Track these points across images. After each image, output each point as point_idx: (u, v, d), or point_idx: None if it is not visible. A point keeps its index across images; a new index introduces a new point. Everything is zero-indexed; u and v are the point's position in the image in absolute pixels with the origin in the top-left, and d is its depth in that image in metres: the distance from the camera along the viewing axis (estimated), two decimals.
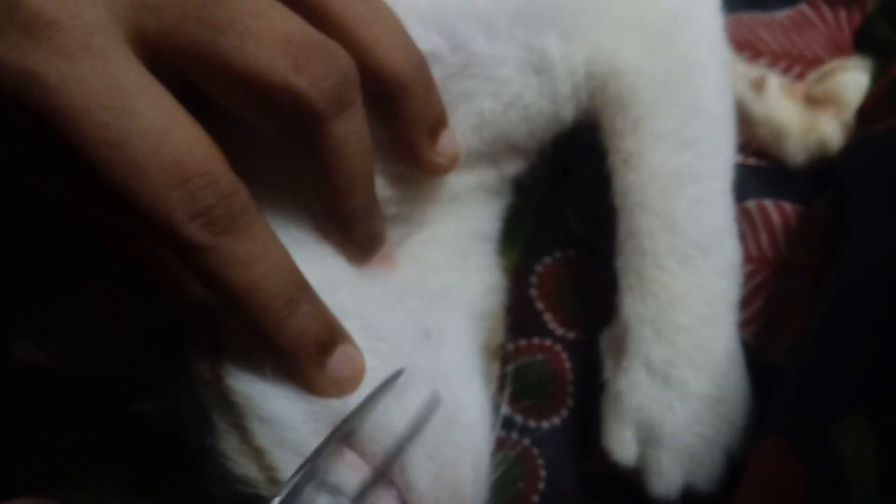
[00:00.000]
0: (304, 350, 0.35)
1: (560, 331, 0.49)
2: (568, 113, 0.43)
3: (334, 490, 0.35)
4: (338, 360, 0.36)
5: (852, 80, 0.48)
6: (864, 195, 0.39)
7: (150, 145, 0.30)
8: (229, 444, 0.36)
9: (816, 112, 0.49)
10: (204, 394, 0.38)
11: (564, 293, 0.49)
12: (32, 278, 0.43)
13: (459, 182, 0.44)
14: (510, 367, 0.46)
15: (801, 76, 0.52)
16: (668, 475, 0.40)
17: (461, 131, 0.42)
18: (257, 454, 0.36)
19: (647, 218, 0.41)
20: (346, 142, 0.35)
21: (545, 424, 0.47)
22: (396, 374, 0.36)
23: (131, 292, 0.41)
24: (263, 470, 0.35)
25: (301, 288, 0.35)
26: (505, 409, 0.45)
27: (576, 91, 0.42)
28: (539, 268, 0.50)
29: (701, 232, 0.41)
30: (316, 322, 0.35)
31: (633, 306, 0.41)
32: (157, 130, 0.31)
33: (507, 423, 0.47)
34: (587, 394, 0.47)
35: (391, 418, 0.35)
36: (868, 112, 0.44)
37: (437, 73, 0.39)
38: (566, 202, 0.51)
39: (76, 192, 0.37)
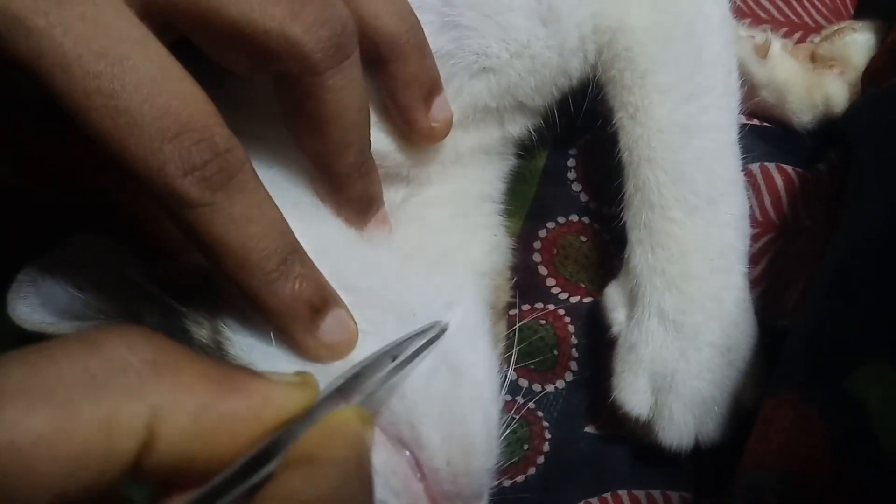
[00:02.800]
0: (296, 313, 0.34)
1: (563, 295, 0.49)
2: (574, 68, 0.43)
3: None
4: (330, 325, 0.35)
5: (860, 40, 0.48)
6: (873, 151, 0.39)
7: (143, 96, 0.29)
8: None
9: (821, 70, 0.49)
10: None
11: (567, 258, 0.49)
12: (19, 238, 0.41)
13: (463, 142, 0.44)
14: (516, 328, 0.46)
15: (801, 42, 0.52)
16: (680, 423, 0.40)
17: (469, 81, 0.42)
18: None
19: (653, 171, 0.41)
20: (342, 95, 0.34)
21: (549, 388, 0.47)
22: (435, 329, 0.36)
23: (126, 254, 0.40)
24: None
25: (294, 250, 0.34)
26: (511, 374, 0.45)
27: (583, 44, 0.42)
28: (542, 233, 0.50)
29: (708, 183, 0.41)
30: (308, 285, 0.34)
31: (644, 257, 0.42)
32: (151, 81, 0.30)
33: (513, 387, 0.47)
34: (590, 357, 0.47)
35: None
36: (874, 73, 0.44)
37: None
38: (569, 167, 0.50)
39: (61, 149, 0.36)
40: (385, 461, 0.34)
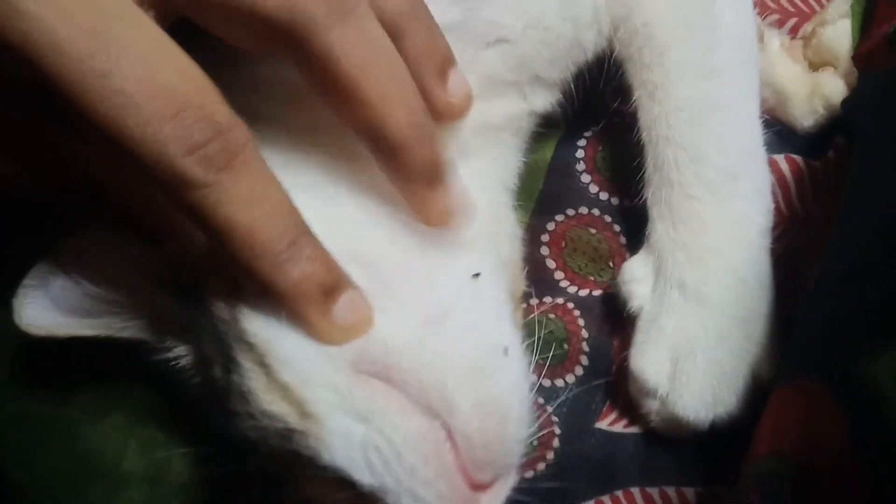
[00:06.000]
0: (308, 296, 0.33)
1: (572, 289, 0.48)
2: (589, 40, 0.43)
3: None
4: (343, 307, 0.34)
5: (836, 31, 0.48)
6: (879, 133, 0.39)
7: (140, 75, 0.28)
8: (257, 383, 0.35)
9: (817, 74, 0.49)
10: (226, 335, 0.36)
11: (576, 251, 0.48)
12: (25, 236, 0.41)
13: (491, 115, 0.43)
14: (528, 320, 0.45)
15: (796, 29, 0.51)
16: (698, 393, 0.40)
17: (484, 51, 0.41)
18: (285, 390, 0.35)
19: (672, 150, 0.41)
20: (359, 48, 0.32)
21: (559, 383, 0.47)
22: None
23: (135, 239, 0.39)
24: (294, 405, 0.34)
25: (303, 231, 0.33)
26: None
27: (597, 16, 0.42)
28: (551, 226, 0.49)
29: (728, 159, 0.41)
30: (319, 266, 0.33)
31: (665, 232, 0.42)
32: (147, 59, 0.29)
33: None
34: (601, 351, 0.46)
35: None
36: (866, 57, 0.44)
37: None
38: (578, 158, 0.50)
39: (59, 139, 0.35)
40: (415, 429, 0.34)
